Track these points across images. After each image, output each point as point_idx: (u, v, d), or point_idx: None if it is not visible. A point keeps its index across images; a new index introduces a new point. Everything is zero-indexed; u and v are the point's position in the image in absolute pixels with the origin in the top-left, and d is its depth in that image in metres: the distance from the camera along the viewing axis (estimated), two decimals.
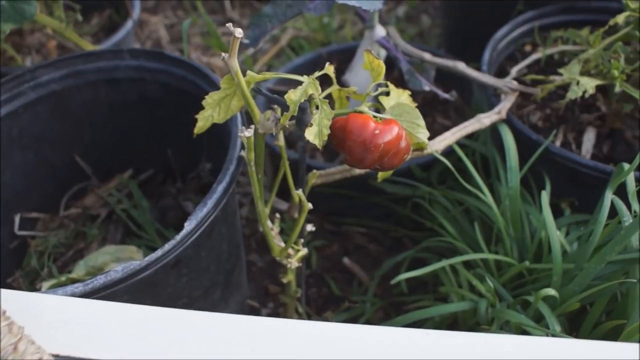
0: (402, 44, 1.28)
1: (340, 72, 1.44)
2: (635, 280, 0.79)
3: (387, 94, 0.83)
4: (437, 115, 1.44)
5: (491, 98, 1.12)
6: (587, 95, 1.00)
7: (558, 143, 1.14)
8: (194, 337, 0.62)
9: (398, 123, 0.76)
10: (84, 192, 1.20)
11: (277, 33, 1.83)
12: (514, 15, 1.37)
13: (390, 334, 0.61)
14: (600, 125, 1.16)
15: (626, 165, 0.90)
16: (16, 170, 1.07)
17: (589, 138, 1.14)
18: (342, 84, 1.39)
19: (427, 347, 0.59)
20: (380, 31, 1.15)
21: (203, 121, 0.80)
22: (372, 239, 1.34)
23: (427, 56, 1.22)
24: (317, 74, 0.76)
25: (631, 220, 0.84)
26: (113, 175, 1.21)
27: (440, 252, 1.16)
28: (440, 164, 1.17)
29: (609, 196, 0.86)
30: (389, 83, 0.84)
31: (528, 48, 1.34)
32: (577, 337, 0.91)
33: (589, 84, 1.01)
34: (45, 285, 1.00)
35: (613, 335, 0.85)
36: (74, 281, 0.97)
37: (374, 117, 0.77)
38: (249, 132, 0.76)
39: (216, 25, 1.90)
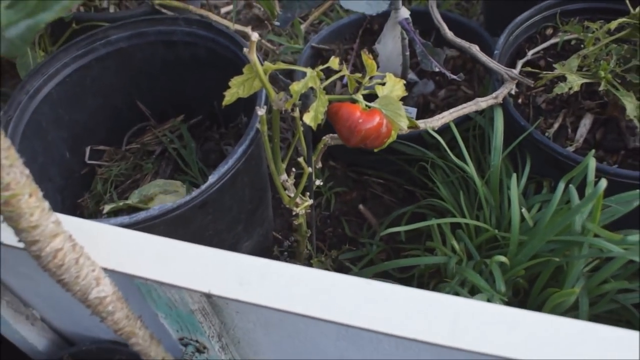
0: (437, 16, 1.42)
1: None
2: (557, 259, 0.95)
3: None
4: (462, 84, 1.57)
5: (494, 83, 1.26)
6: (571, 92, 1.13)
7: (556, 126, 1.27)
8: (199, 263, 0.83)
9: (381, 113, 0.93)
10: (143, 131, 1.43)
11: None
12: None
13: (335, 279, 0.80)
14: (599, 113, 1.28)
15: (592, 159, 1.04)
16: (88, 112, 1.31)
17: (585, 124, 1.27)
18: (374, 52, 1.55)
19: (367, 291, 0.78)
20: (404, 13, 1.29)
21: (230, 97, 0.99)
22: (388, 190, 1.53)
23: (449, 35, 1.37)
24: (320, 67, 0.94)
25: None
26: (168, 118, 1.43)
27: (438, 210, 1.34)
28: (448, 133, 1.32)
29: (561, 186, 1.02)
30: (387, 74, 1.01)
31: (549, 31, 1.44)
32: (526, 298, 1.09)
33: (576, 82, 1.13)
34: (107, 207, 1.25)
35: None
36: (128, 207, 1.21)
37: (367, 105, 0.95)
38: (261, 111, 0.95)
39: None
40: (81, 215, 1.31)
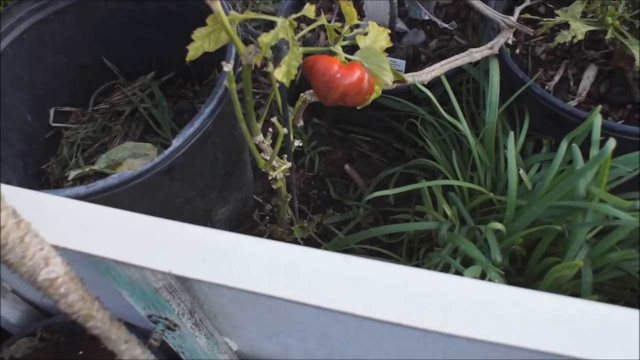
0: None
1: None
2: (558, 228, 0.86)
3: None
4: (455, 34, 1.46)
5: (490, 32, 1.15)
6: (575, 41, 1.02)
7: (557, 78, 1.17)
8: (159, 239, 0.75)
9: (361, 67, 0.83)
10: (111, 90, 1.33)
11: None
12: None
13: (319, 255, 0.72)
14: (604, 64, 1.18)
15: (597, 116, 0.94)
16: (49, 71, 1.20)
17: (589, 76, 1.16)
18: (360, 6, 1.44)
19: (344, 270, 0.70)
20: None
21: (194, 51, 0.89)
22: (376, 148, 1.43)
23: None
24: (294, 15, 0.83)
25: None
26: (138, 76, 1.33)
27: (429, 170, 1.25)
28: (440, 87, 1.22)
29: (563, 146, 0.92)
30: (370, 22, 0.90)
31: None
32: (525, 265, 1.00)
33: (580, 30, 1.02)
34: (72, 174, 1.16)
35: None
36: (95, 172, 1.12)
37: (346, 58, 0.84)
38: (227, 67, 0.85)
39: None
40: (46, 181, 1.22)
